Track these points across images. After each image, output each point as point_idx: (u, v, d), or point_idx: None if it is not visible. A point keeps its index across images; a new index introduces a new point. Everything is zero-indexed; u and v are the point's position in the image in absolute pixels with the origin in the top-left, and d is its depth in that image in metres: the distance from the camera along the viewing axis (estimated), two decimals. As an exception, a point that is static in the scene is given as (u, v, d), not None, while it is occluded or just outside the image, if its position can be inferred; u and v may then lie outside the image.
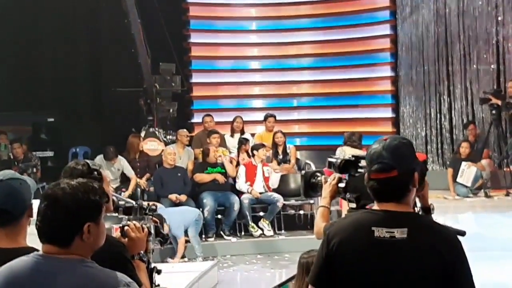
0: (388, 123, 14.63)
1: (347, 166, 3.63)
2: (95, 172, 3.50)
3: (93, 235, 2.62)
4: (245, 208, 10.71)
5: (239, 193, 10.91)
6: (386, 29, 14.78)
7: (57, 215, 2.60)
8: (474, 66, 13.29)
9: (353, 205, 3.54)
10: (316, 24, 15.34)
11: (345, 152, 10.35)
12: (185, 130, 11.80)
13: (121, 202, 3.88)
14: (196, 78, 15.43)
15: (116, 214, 3.83)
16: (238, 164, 11.38)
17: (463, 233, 3.14)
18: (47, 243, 2.63)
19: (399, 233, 2.76)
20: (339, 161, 3.67)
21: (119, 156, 11.17)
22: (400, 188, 2.86)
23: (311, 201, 10.91)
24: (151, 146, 12.02)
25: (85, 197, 2.62)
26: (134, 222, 3.64)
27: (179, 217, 9.92)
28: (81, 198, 2.62)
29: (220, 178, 10.87)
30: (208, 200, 10.60)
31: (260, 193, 10.87)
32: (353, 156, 3.66)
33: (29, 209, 3.10)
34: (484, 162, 12.11)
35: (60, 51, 14.30)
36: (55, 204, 2.61)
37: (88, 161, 3.59)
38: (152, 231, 3.78)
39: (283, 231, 11.00)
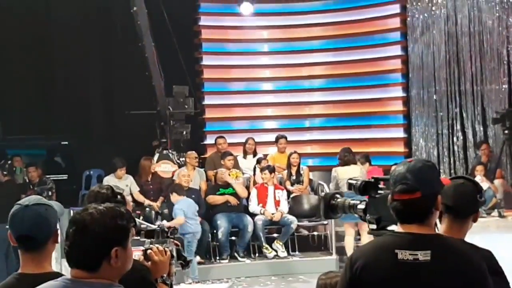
0: (400, 143, 14.64)
1: (367, 187, 3.66)
2: (119, 196, 3.55)
3: (121, 260, 2.66)
4: (258, 229, 10.72)
5: (253, 215, 10.92)
6: (397, 50, 14.84)
7: (85, 240, 2.64)
8: (486, 86, 13.32)
9: (374, 226, 3.57)
10: (328, 45, 15.42)
11: (338, 174, 10.37)
12: (193, 152, 11.84)
13: (142, 226, 3.92)
14: (208, 100, 15.51)
15: (138, 238, 3.87)
16: (255, 183, 11.40)
17: (488, 252, 3.16)
18: (75, 268, 2.66)
19: (423, 256, 2.78)
20: (359, 183, 3.70)
21: (126, 175, 11.26)
22: (423, 210, 2.88)
23: (325, 222, 10.92)
24: (164, 168, 12.06)
25: (113, 222, 2.66)
26: (156, 245, 3.67)
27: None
28: (109, 223, 2.65)
29: (232, 200, 10.89)
30: (221, 222, 10.63)
31: (272, 214, 10.88)
32: (373, 177, 3.70)
33: (54, 235, 3.13)
34: (497, 182, 12.09)
35: (74, 74, 14.42)
36: (84, 229, 2.64)
37: (111, 185, 3.64)
38: (174, 254, 3.82)
39: (297, 252, 10.99)
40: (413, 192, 2.85)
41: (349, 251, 10.13)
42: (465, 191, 3.50)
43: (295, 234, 11.06)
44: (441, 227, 3.50)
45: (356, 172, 9.96)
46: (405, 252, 2.80)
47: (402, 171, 2.93)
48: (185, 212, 9.97)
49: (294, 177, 11.76)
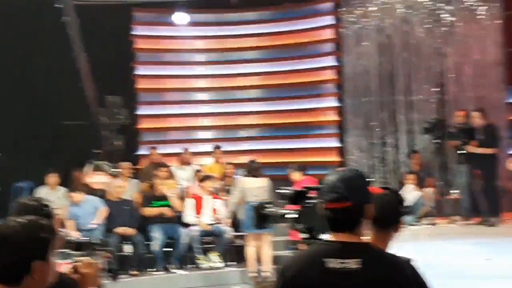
0: (333, 153, 14.80)
1: (299, 196, 3.69)
2: (46, 208, 3.47)
3: (42, 273, 2.59)
4: (193, 240, 10.66)
5: (188, 225, 10.86)
6: (331, 61, 15.03)
7: (4, 254, 2.57)
8: (417, 96, 13.56)
9: (306, 236, 3.59)
10: (262, 56, 15.52)
11: (243, 184, 10.42)
12: (127, 163, 11.71)
13: (71, 238, 3.84)
14: (143, 110, 15.39)
15: (67, 250, 3.79)
16: (191, 194, 11.35)
17: (408, 260, 3.21)
18: (-3, 283, 2.59)
19: (353, 264, 2.80)
20: (290, 192, 3.73)
21: (59, 186, 11.10)
22: (354, 219, 2.91)
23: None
24: (98, 179, 11.90)
25: (33, 235, 2.60)
26: (85, 258, 3.61)
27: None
28: (29, 236, 2.59)
29: (168, 212, 10.81)
30: (156, 233, 10.54)
31: (209, 224, 10.84)
32: (304, 187, 3.73)
33: None
34: (428, 190, 12.32)
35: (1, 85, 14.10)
36: (2, 242, 2.58)
37: (39, 197, 3.57)
38: (103, 266, 3.76)
39: (233, 262, 10.96)
40: (344, 201, 2.88)
41: (251, 262, 10.18)
42: (388, 202, 3.57)
43: (232, 244, 11.03)
44: (368, 237, 3.54)
45: (262, 183, 10.13)
46: (335, 261, 2.81)
47: (333, 180, 2.95)
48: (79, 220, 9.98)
49: (229, 188, 11.75)
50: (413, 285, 2.91)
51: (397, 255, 3.11)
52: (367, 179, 3.06)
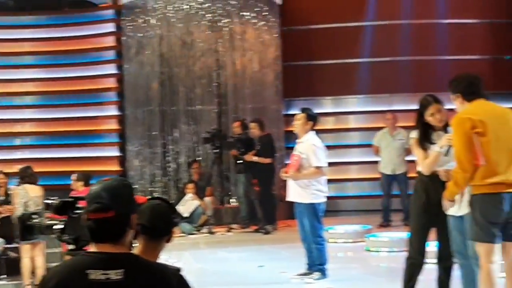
0: (114, 162, 14.62)
1: (66, 207, 3.57)
2: None
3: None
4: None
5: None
6: (112, 69, 14.87)
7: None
8: (197, 106, 13.72)
9: (72, 247, 3.48)
10: (40, 61, 15.01)
11: (27, 191, 10.10)
12: None
13: None
14: None
15: None
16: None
17: (178, 270, 3.20)
18: None
19: (115, 275, 2.73)
20: (57, 202, 3.60)
21: None
22: (117, 229, 2.84)
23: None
24: None
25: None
26: None
27: None
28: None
29: None
30: None
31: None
32: (71, 196, 3.61)
33: None
34: (207, 199, 12.53)
35: None
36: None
37: None
38: None
39: (5, 276, 10.42)
40: (107, 211, 2.80)
41: (26, 273, 9.84)
42: (161, 212, 3.55)
43: (2, 257, 10.48)
44: (137, 247, 3.50)
45: (39, 191, 9.81)
46: (97, 272, 2.73)
47: (97, 189, 2.87)
48: None
49: (3, 198, 11.18)
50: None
51: (166, 264, 3.09)
52: (133, 188, 3.01)
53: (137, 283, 2.76)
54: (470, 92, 5.38)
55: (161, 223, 3.58)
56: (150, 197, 3.76)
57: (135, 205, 2.94)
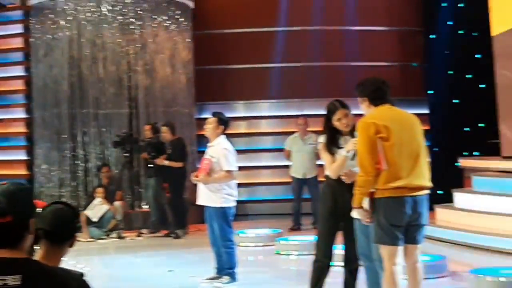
0: (22, 166, 14.28)
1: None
2: None
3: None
4: None
5: None
6: (19, 71, 14.52)
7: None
8: (107, 110, 13.54)
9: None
10: None
11: None
12: None
13: None
14: None
15: None
16: None
17: (81, 274, 3.15)
18: None
19: (13, 280, 2.67)
20: None
21: None
22: (15, 234, 2.78)
23: None
24: None
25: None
26: None
27: None
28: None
29: None
30: None
31: None
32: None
33: None
34: (117, 204, 12.37)
35: None
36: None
37: None
38: None
39: None
40: (4, 216, 2.74)
41: None
42: (63, 216, 3.48)
43: None
44: (38, 252, 3.42)
45: None
46: (-7, 278, 2.66)
47: (-6, 194, 2.79)
48: None
49: None
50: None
51: (69, 269, 3.03)
52: (31, 193, 2.95)
53: (35, 288, 2.70)
54: (377, 96, 5.49)
55: (63, 228, 3.51)
56: (52, 201, 3.68)
57: (33, 209, 2.88)
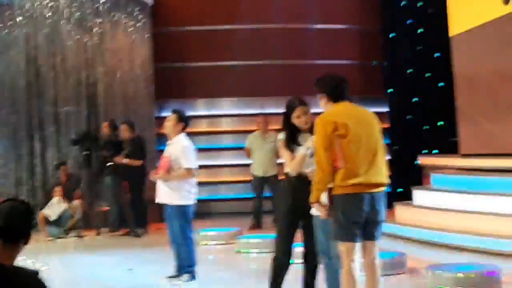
0: (-22, 165, 14.02)
1: None
2: None
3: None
4: None
5: None
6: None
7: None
8: (66, 107, 13.38)
9: None
10: None
11: None
12: None
13: None
14: None
15: None
16: None
17: (36, 273, 3.10)
18: None
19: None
20: None
21: None
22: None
23: None
24: None
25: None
26: None
27: None
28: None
29: None
30: None
31: None
32: None
33: None
34: (76, 202, 12.25)
35: None
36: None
37: None
38: None
39: None
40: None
41: None
42: (17, 213, 3.41)
43: None
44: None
45: None
46: None
47: None
48: None
49: None
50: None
51: (23, 267, 2.98)
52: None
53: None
54: (336, 93, 5.48)
55: (18, 225, 3.44)
56: (6, 198, 3.60)
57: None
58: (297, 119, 6.01)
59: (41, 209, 11.95)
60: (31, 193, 13.18)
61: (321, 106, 5.58)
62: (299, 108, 6.01)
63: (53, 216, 11.83)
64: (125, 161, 11.92)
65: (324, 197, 5.33)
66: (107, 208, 12.61)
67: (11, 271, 2.83)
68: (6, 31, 13.39)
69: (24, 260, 3.41)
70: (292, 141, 6.03)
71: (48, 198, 12.27)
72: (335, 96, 5.48)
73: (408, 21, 14.96)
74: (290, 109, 6.06)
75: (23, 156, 13.32)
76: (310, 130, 5.94)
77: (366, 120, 5.45)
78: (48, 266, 9.02)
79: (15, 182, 13.28)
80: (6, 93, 13.44)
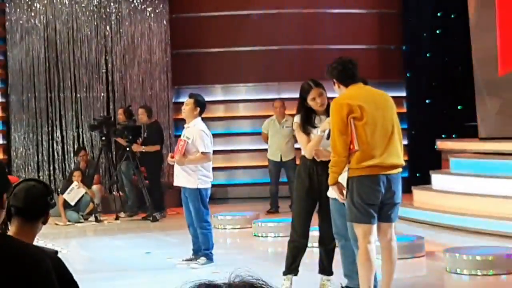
0: (-1, 150, 14.16)
1: None
2: None
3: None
4: None
5: None
6: (-5, 54, 14.32)
7: None
8: (85, 93, 13.48)
9: None
10: None
11: None
12: None
13: None
14: None
15: None
16: None
17: (55, 252, 3.13)
18: None
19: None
20: None
21: None
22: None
23: None
24: None
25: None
26: None
27: None
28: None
29: None
30: None
31: None
32: None
33: None
34: (95, 187, 12.32)
35: None
36: None
37: None
38: None
39: None
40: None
41: None
42: (35, 193, 3.45)
43: None
44: (11, 229, 3.40)
45: None
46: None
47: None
48: None
49: None
50: (52, 277, 2.80)
51: (42, 247, 3.01)
52: (4, 168, 2.92)
53: (7, 264, 2.66)
54: (344, 77, 5.47)
55: (36, 205, 3.48)
56: (25, 178, 3.65)
57: (6, 184, 2.84)
58: (312, 101, 6.01)
59: (61, 193, 12.03)
60: (51, 178, 13.30)
61: (336, 91, 5.58)
62: (314, 90, 6.01)
63: (72, 201, 11.90)
64: (143, 148, 12.00)
65: (343, 179, 5.33)
66: (125, 193, 12.67)
67: (30, 249, 2.85)
68: (25, 17, 13.46)
69: (44, 243, 3.44)
70: (307, 124, 6.03)
71: (67, 183, 12.35)
72: (344, 79, 5.47)
73: (428, 5, 14.84)
74: (305, 91, 6.06)
75: (42, 141, 13.44)
76: (326, 112, 5.93)
77: (381, 101, 5.44)
78: (67, 249, 9.12)
79: (35, 168, 13.41)
80: (25, 79, 13.54)
